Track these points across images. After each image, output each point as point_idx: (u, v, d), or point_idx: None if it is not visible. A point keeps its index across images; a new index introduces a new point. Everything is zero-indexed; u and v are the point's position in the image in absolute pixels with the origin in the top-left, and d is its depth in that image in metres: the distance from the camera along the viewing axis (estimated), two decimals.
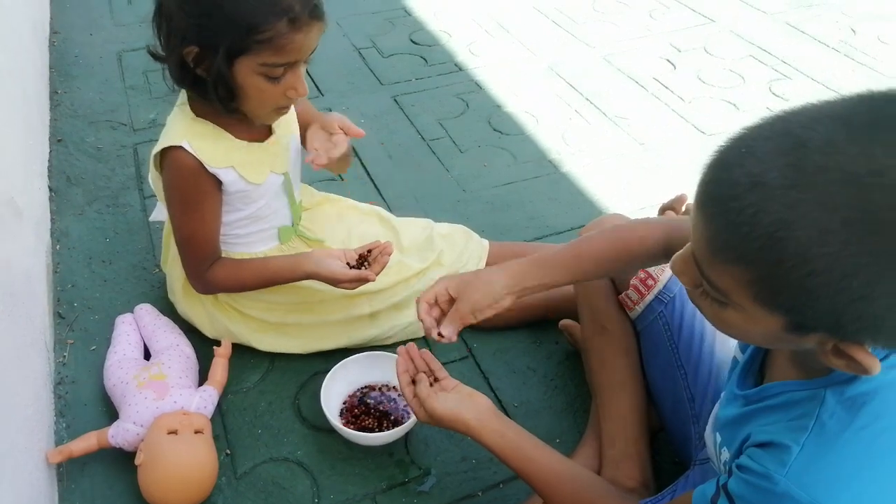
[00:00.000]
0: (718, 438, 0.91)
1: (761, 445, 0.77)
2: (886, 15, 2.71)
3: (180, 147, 1.23)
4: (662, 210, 1.36)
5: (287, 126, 1.40)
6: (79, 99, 2.28)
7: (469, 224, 1.65)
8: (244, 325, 1.45)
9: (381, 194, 1.90)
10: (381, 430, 1.29)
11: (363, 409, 1.33)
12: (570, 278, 1.13)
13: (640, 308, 1.24)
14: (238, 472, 1.28)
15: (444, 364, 1.44)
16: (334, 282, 1.33)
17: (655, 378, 1.25)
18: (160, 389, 1.29)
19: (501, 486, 1.26)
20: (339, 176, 1.92)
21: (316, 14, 1.17)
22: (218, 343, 1.42)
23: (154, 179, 1.35)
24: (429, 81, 2.39)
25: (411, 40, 2.63)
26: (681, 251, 0.76)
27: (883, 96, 0.62)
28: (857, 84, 2.32)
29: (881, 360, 0.70)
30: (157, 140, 1.27)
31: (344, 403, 1.35)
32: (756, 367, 0.90)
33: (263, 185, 1.34)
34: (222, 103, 1.21)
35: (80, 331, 1.53)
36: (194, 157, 1.23)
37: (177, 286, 1.48)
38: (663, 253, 1.08)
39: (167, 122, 1.30)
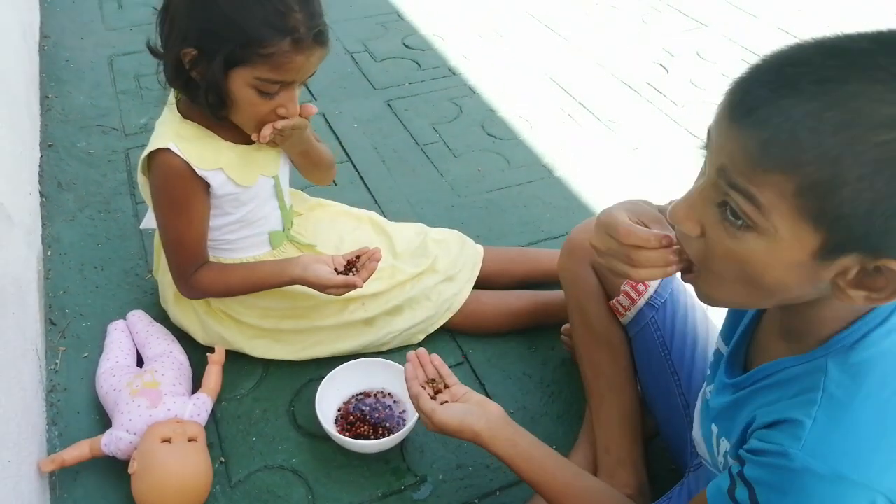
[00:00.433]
0: (715, 429, 0.90)
1: (769, 426, 0.75)
2: (878, 19, 2.73)
3: (167, 149, 1.22)
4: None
5: None
6: (70, 104, 2.26)
7: (463, 229, 1.65)
8: (238, 332, 1.44)
9: (374, 199, 1.89)
10: (376, 438, 1.28)
11: (358, 416, 1.32)
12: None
13: (631, 314, 1.25)
14: (232, 480, 1.27)
15: None
16: (321, 287, 1.32)
17: (649, 384, 1.25)
18: (153, 397, 1.28)
19: (498, 493, 1.26)
20: (333, 182, 1.91)
21: (320, 40, 1.18)
22: (211, 350, 1.41)
23: (142, 184, 1.34)
24: (422, 86, 2.38)
25: (404, 44, 2.62)
26: (679, 199, 0.71)
27: None
28: None
29: (877, 326, 0.71)
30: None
31: (339, 410, 1.34)
32: (741, 356, 0.89)
33: (253, 187, 1.33)
34: (211, 109, 1.21)
35: (72, 338, 1.52)
36: (182, 158, 1.23)
37: (169, 294, 1.47)
38: None
39: (156, 125, 1.30)
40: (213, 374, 1.37)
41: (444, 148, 2.10)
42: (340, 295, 1.35)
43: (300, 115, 1.29)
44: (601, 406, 1.24)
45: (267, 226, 1.42)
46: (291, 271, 1.34)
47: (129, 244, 1.75)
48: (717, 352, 0.95)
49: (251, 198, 1.35)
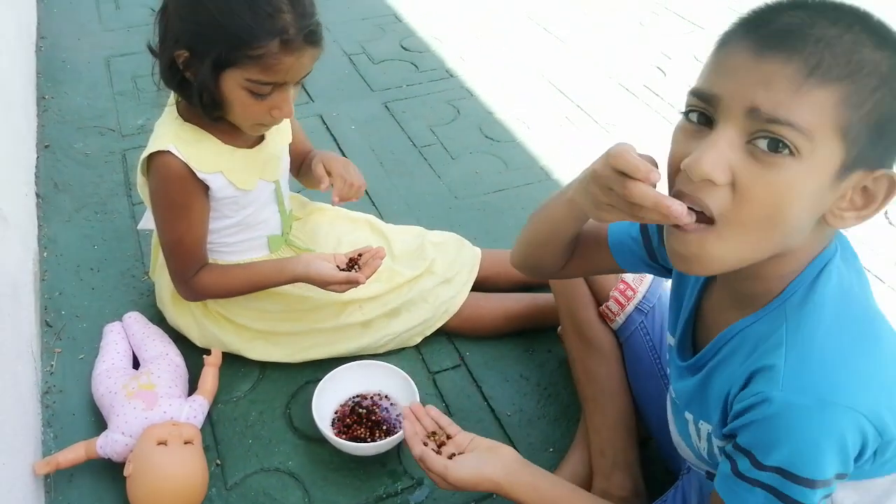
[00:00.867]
0: (689, 416, 0.91)
1: (745, 385, 0.77)
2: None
3: (168, 151, 1.22)
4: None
5: (280, 135, 1.39)
6: (66, 105, 2.26)
7: (461, 231, 1.64)
8: (234, 334, 1.43)
9: (372, 201, 1.89)
10: (373, 440, 1.28)
11: (355, 418, 1.32)
12: None
13: (620, 319, 1.25)
14: (228, 482, 1.27)
15: (435, 373, 1.45)
16: (324, 284, 1.32)
17: (640, 388, 1.26)
18: (149, 399, 1.28)
19: (494, 496, 1.25)
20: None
21: (311, 40, 1.17)
22: (208, 352, 1.40)
23: (141, 186, 1.34)
24: (420, 88, 2.38)
25: (402, 46, 2.62)
26: (696, 153, 0.70)
27: None
28: None
29: (820, 272, 0.76)
30: (145, 146, 1.26)
31: (335, 413, 1.34)
32: (689, 341, 0.92)
33: (253, 192, 1.33)
34: (205, 110, 1.21)
35: (67, 339, 1.51)
36: (182, 161, 1.22)
37: (165, 295, 1.46)
38: None
39: (155, 127, 1.29)
40: (210, 376, 1.37)
41: (442, 150, 2.10)
42: (342, 292, 1.35)
43: (354, 194, 1.35)
44: (595, 410, 1.25)
45: (266, 230, 1.42)
46: (294, 268, 1.34)
47: (126, 245, 1.74)
48: (669, 346, 0.97)
49: (250, 202, 1.35)
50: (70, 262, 1.70)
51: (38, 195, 1.89)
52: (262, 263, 1.38)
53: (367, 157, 2.06)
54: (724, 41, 0.73)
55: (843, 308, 0.76)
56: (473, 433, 1.08)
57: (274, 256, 1.44)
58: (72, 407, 1.38)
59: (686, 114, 0.74)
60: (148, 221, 1.44)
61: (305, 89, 2.33)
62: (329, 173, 1.36)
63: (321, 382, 1.33)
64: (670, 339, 0.96)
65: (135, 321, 1.48)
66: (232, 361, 1.44)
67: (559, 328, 1.47)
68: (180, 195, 1.26)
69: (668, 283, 0.83)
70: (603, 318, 1.32)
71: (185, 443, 1.21)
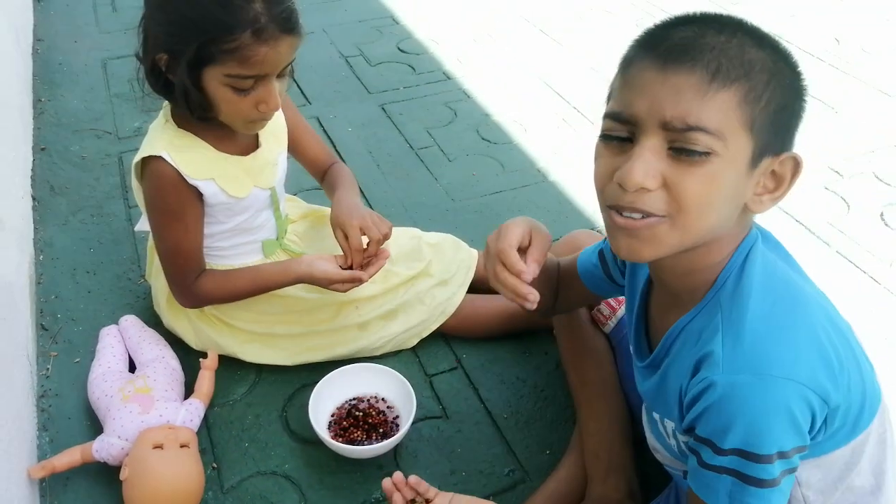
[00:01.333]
0: (657, 416, 0.95)
1: (692, 377, 0.82)
2: (868, 24, 2.74)
3: (160, 157, 1.22)
4: None
5: (275, 140, 1.39)
6: (63, 107, 2.25)
7: (458, 233, 1.64)
8: (230, 337, 1.43)
9: (369, 203, 1.89)
10: (369, 443, 1.28)
11: (352, 421, 1.32)
12: None
13: (612, 323, 1.26)
14: (225, 486, 1.26)
15: (432, 375, 1.45)
16: (327, 282, 1.32)
17: (632, 390, 1.25)
18: (145, 403, 1.27)
19: (491, 498, 1.25)
20: None
21: (286, 28, 1.14)
22: (204, 355, 1.40)
23: (136, 190, 1.33)
24: (417, 90, 2.38)
25: (399, 48, 2.62)
26: (625, 167, 0.76)
27: None
28: (843, 93, 2.34)
29: (745, 260, 0.83)
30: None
31: (332, 416, 1.34)
32: (643, 342, 0.99)
33: (246, 199, 1.32)
34: (193, 111, 1.20)
35: (63, 343, 1.51)
36: (174, 167, 1.22)
37: (161, 298, 1.46)
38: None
39: (149, 131, 1.29)
40: (206, 379, 1.36)
41: (439, 152, 2.09)
42: (345, 291, 1.35)
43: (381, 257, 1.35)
44: (589, 413, 1.25)
45: (261, 234, 1.42)
46: (297, 269, 1.34)
47: (122, 248, 1.74)
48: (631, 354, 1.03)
49: (245, 208, 1.35)
50: (66, 265, 1.70)
51: (34, 198, 1.88)
52: (265, 266, 1.38)
53: (364, 159, 2.06)
54: (627, 64, 0.81)
55: (770, 287, 0.82)
56: (452, 494, 1.06)
57: (268, 261, 1.44)
58: (68, 410, 1.38)
59: (605, 135, 0.81)
60: (144, 223, 1.44)
61: (302, 92, 2.34)
62: (346, 236, 1.34)
63: (317, 385, 1.33)
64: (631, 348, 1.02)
65: (131, 324, 1.48)
66: (228, 364, 1.43)
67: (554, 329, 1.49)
68: (174, 202, 1.26)
69: None
70: (595, 321, 1.33)
71: (182, 446, 1.21)
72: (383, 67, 2.51)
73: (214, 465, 1.29)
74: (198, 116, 1.21)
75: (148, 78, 1.20)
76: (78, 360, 1.47)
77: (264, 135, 1.36)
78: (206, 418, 1.35)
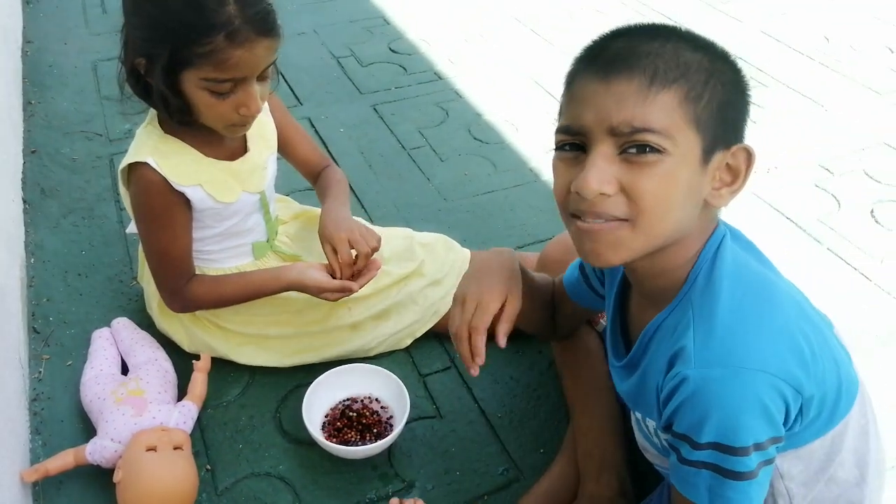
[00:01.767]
0: (639, 416, 0.97)
1: (666, 373, 0.84)
2: (857, 23, 2.75)
3: (146, 164, 1.21)
4: None
5: (264, 143, 1.39)
6: (53, 109, 2.25)
7: (450, 233, 1.64)
8: (223, 339, 1.43)
9: (361, 204, 1.89)
10: (363, 444, 1.28)
11: (345, 422, 1.32)
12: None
13: (605, 321, 1.26)
14: (219, 488, 1.26)
15: (426, 375, 1.45)
16: (317, 291, 1.32)
17: None
18: (138, 405, 1.27)
19: (485, 497, 1.25)
20: None
21: (262, 30, 1.12)
22: (197, 357, 1.40)
23: (124, 195, 1.33)
24: (408, 90, 2.38)
25: (390, 49, 2.62)
26: (581, 176, 0.79)
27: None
28: (833, 91, 2.35)
29: (713, 257, 0.85)
30: None
31: (326, 416, 1.34)
32: (620, 341, 1.01)
33: (235, 203, 1.32)
34: (172, 115, 1.19)
35: (55, 346, 1.50)
36: (159, 173, 1.21)
37: (154, 301, 1.46)
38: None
39: (135, 136, 1.29)
40: (199, 381, 1.36)
41: (431, 152, 2.10)
42: (335, 300, 1.35)
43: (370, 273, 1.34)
44: (582, 412, 1.25)
45: (251, 237, 1.42)
46: (287, 276, 1.33)
47: (114, 251, 1.73)
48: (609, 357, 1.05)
49: (234, 212, 1.34)
50: (57, 267, 1.69)
51: (24, 201, 1.88)
52: (256, 273, 1.38)
53: (356, 159, 2.06)
54: (571, 79, 0.85)
55: (740, 282, 0.84)
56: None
57: (259, 263, 1.43)
58: (60, 414, 1.37)
59: (559, 148, 0.85)
60: (135, 227, 1.44)
61: (294, 93, 2.34)
62: (334, 250, 1.34)
63: (311, 386, 1.33)
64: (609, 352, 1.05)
65: (123, 327, 1.48)
66: (221, 366, 1.43)
67: None
68: (161, 208, 1.25)
69: None
70: (588, 321, 1.33)
71: (175, 448, 1.21)
72: (374, 68, 2.51)
73: (208, 466, 1.29)
74: (179, 121, 1.21)
75: (129, 82, 1.20)
76: (70, 362, 1.46)
77: (252, 138, 1.36)
78: (199, 420, 1.35)
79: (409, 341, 1.49)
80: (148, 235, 1.30)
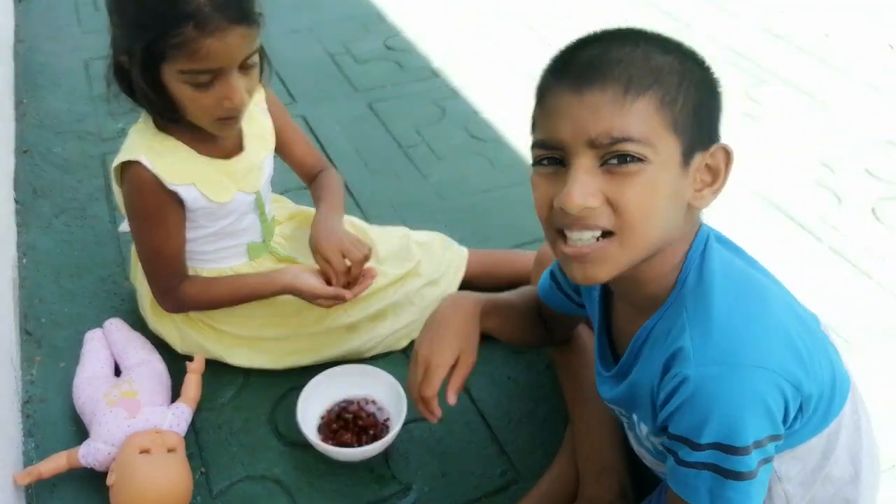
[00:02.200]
0: (635, 417, 0.95)
1: (663, 375, 0.83)
2: (857, 21, 2.74)
3: (138, 162, 1.20)
4: None
5: (261, 143, 1.37)
6: (45, 108, 2.23)
7: (447, 231, 1.63)
8: (216, 341, 1.41)
9: (356, 202, 1.87)
10: (360, 445, 1.26)
11: (341, 423, 1.30)
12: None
13: None
14: (213, 491, 1.25)
15: None
16: (311, 297, 1.31)
17: None
18: (131, 407, 1.26)
19: (484, 499, 1.24)
20: None
21: (233, 17, 1.10)
22: (191, 358, 1.38)
23: (117, 193, 1.32)
24: (404, 87, 2.37)
25: (386, 46, 2.61)
26: (564, 191, 0.78)
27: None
28: (833, 88, 2.34)
29: (700, 258, 0.85)
30: None
31: (322, 418, 1.32)
32: (608, 351, 1.01)
33: (229, 203, 1.30)
34: (159, 113, 1.19)
35: (48, 347, 1.49)
36: (152, 172, 1.20)
37: (146, 301, 1.44)
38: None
39: (129, 134, 1.27)
40: (193, 383, 1.35)
41: (428, 150, 2.08)
42: (328, 307, 1.34)
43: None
44: (581, 414, 1.24)
45: (246, 238, 1.40)
46: (282, 280, 1.32)
47: (106, 251, 1.72)
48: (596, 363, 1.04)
49: (228, 212, 1.33)
50: (50, 268, 1.67)
51: (16, 201, 1.86)
52: (249, 276, 1.37)
53: (352, 158, 2.04)
54: (542, 92, 0.84)
55: (731, 281, 0.84)
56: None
57: (254, 263, 1.42)
58: (53, 416, 1.36)
59: (536, 163, 0.84)
60: (127, 225, 1.42)
61: (288, 90, 2.32)
62: (327, 261, 1.33)
63: (306, 388, 1.31)
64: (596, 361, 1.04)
65: (116, 328, 1.46)
66: (215, 368, 1.42)
67: None
68: (153, 207, 1.24)
69: None
70: (586, 322, 1.32)
71: (169, 451, 1.20)
72: (370, 65, 2.50)
73: (202, 469, 1.28)
74: (166, 118, 1.20)
75: (116, 81, 1.19)
76: (63, 364, 1.45)
77: (249, 137, 1.34)
78: (193, 422, 1.33)
79: (405, 342, 1.48)
80: (140, 235, 1.28)
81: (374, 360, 1.45)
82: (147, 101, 1.16)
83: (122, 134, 2.07)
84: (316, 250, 1.35)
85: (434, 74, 2.44)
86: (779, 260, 1.72)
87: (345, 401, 1.35)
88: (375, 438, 1.27)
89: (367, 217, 1.79)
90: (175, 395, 1.35)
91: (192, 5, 1.07)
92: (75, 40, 2.60)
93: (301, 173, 1.54)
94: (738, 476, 0.79)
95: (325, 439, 1.27)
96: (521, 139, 2.13)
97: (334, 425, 1.30)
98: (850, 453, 0.93)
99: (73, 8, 2.82)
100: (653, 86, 0.77)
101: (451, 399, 1.08)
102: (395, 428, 1.26)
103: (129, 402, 1.27)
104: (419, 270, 1.49)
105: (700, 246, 0.86)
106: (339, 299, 1.31)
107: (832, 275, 1.66)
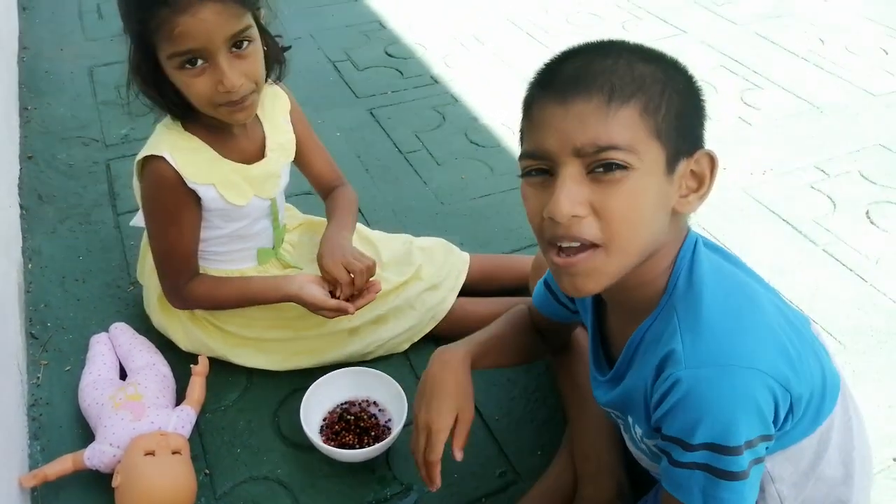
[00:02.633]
0: (630, 420, 0.96)
1: (656, 377, 0.84)
2: (851, 26, 2.76)
3: (161, 157, 1.22)
4: None
5: (282, 152, 1.39)
6: (49, 115, 2.25)
7: (447, 236, 1.65)
8: (221, 340, 1.43)
9: (358, 208, 1.88)
10: (361, 447, 1.28)
11: (343, 425, 1.32)
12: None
13: None
14: (217, 492, 1.26)
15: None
16: (314, 308, 1.33)
17: None
18: (137, 410, 1.27)
19: (483, 500, 1.26)
20: None
21: None
22: (195, 361, 1.40)
23: (136, 188, 1.34)
24: (405, 94, 2.39)
25: (386, 53, 2.63)
26: (552, 201, 0.79)
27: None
28: (827, 92, 2.36)
29: (690, 262, 0.86)
30: (130, 156, 1.27)
31: (324, 420, 1.34)
32: (602, 357, 1.02)
33: (245, 207, 1.32)
34: (171, 108, 1.21)
35: (53, 351, 1.50)
36: (174, 168, 1.22)
37: (153, 298, 1.46)
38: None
39: (154, 130, 1.29)
40: (197, 385, 1.36)
41: (428, 156, 2.10)
42: (331, 318, 1.35)
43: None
44: (578, 414, 1.26)
45: (257, 242, 1.42)
46: (287, 289, 1.34)
47: (111, 256, 1.73)
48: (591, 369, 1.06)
49: (243, 216, 1.35)
50: (55, 273, 1.69)
51: (21, 206, 1.88)
52: (256, 280, 1.38)
53: (353, 163, 2.06)
54: (528, 104, 0.86)
55: (721, 284, 0.86)
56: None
57: (261, 269, 1.44)
58: (59, 419, 1.37)
59: (525, 174, 0.85)
60: (140, 219, 1.44)
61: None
62: (331, 276, 1.35)
63: (309, 390, 1.33)
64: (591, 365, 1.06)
65: (121, 332, 1.48)
66: (219, 370, 1.43)
67: None
68: (171, 202, 1.26)
69: None
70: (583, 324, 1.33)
71: (173, 453, 1.21)
72: (371, 72, 2.52)
73: (207, 471, 1.29)
74: (178, 113, 1.22)
75: (135, 81, 1.21)
76: (68, 368, 1.46)
77: (272, 146, 1.36)
78: (197, 424, 1.35)
79: (406, 346, 1.49)
80: (155, 230, 1.30)
81: (375, 362, 1.46)
82: (159, 95, 1.18)
83: (126, 140, 2.11)
84: (321, 266, 1.36)
85: (434, 81, 2.46)
86: (774, 263, 1.75)
87: (347, 403, 1.36)
88: (377, 440, 1.29)
89: (368, 222, 1.81)
90: (180, 397, 1.36)
91: None
92: (79, 48, 2.62)
93: (318, 187, 1.56)
94: (730, 476, 0.80)
95: (327, 441, 1.29)
96: (519, 145, 2.14)
97: (336, 427, 1.32)
98: (841, 454, 0.94)
99: (77, 16, 2.84)
100: (636, 94, 0.79)
101: (458, 456, 1.08)
102: (396, 429, 1.28)
103: (135, 405, 1.28)
104: (420, 275, 1.51)
105: (688, 250, 0.88)
106: (341, 312, 1.33)
107: (827, 277, 1.68)
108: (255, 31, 1.19)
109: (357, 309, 1.34)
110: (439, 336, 1.51)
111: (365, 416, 1.33)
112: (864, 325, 1.55)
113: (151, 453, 1.19)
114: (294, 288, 1.33)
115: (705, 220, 1.80)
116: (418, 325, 1.48)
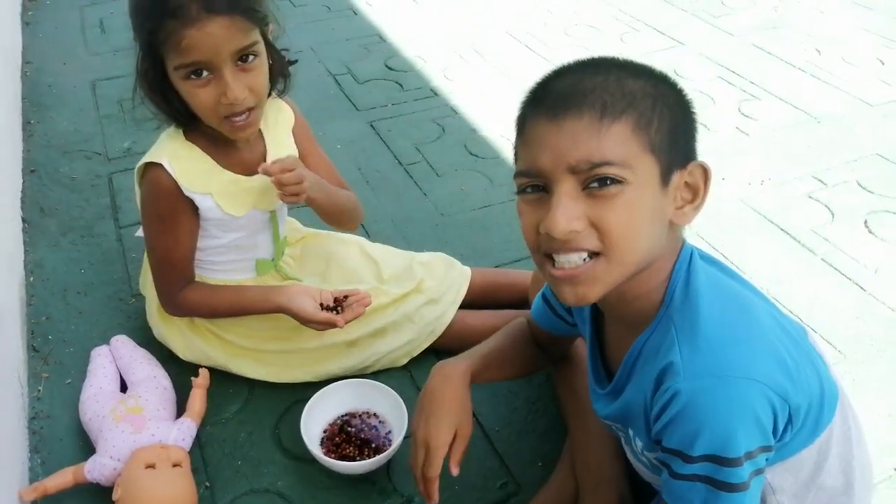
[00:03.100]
0: (631, 432, 0.97)
1: (655, 390, 0.85)
2: (848, 37, 2.78)
3: (160, 165, 1.23)
4: None
5: None
6: (52, 129, 2.26)
7: (447, 248, 1.65)
8: (220, 349, 1.43)
9: (356, 208, 1.89)
10: (362, 459, 1.28)
11: (344, 437, 1.32)
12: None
13: None
14: None
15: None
16: (303, 320, 1.34)
17: None
18: (137, 423, 1.27)
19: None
20: None
21: (211, 7, 1.11)
22: (196, 373, 1.40)
23: (137, 194, 1.35)
24: (405, 107, 2.40)
25: (386, 66, 2.65)
26: (549, 217, 0.80)
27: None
28: (824, 102, 2.37)
29: (686, 273, 0.87)
30: (132, 169, 1.28)
31: (324, 432, 1.34)
32: (601, 370, 1.02)
33: (242, 218, 1.33)
34: (175, 117, 1.22)
35: (55, 364, 1.51)
36: (171, 176, 1.23)
37: (154, 308, 1.46)
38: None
39: (158, 139, 1.30)
40: (198, 398, 1.36)
41: (428, 168, 2.11)
42: (321, 331, 1.36)
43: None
44: (578, 425, 1.25)
45: (256, 254, 1.43)
46: (277, 299, 1.34)
47: (113, 269, 1.74)
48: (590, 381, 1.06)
49: (241, 227, 1.35)
50: (57, 286, 1.70)
51: (24, 220, 1.89)
52: (248, 289, 1.39)
53: (354, 176, 2.07)
54: (521, 123, 0.87)
55: (717, 295, 0.86)
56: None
57: (260, 280, 1.44)
58: (59, 432, 1.37)
59: (521, 192, 0.86)
60: (142, 229, 1.44)
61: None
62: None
63: (309, 402, 1.33)
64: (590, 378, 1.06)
65: (122, 344, 1.48)
66: (220, 382, 1.44)
67: None
68: (167, 210, 1.27)
69: None
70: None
71: (174, 465, 1.21)
72: (371, 85, 2.53)
73: (207, 483, 1.29)
74: (182, 122, 1.23)
75: (142, 90, 1.22)
76: (69, 381, 1.47)
77: (273, 158, 1.37)
78: (198, 437, 1.35)
79: (405, 360, 1.49)
80: (152, 236, 1.31)
81: (376, 376, 1.46)
82: (164, 102, 1.20)
83: (128, 153, 2.12)
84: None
85: (433, 93, 2.47)
86: (773, 273, 1.75)
87: (347, 414, 1.37)
88: (377, 452, 1.29)
89: (368, 234, 1.81)
90: (180, 410, 1.37)
91: (169, 1, 1.11)
92: (82, 62, 2.64)
93: None
94: (731, 488, 0.80)
95: (327, 453, 1.29)
96: (514, 163, 2.15)
97: (337, 439, 1.32)
98: (841, 463, 0.94)
99: (80, 30, 2.86)
100: (627, 110, 0.79)
101: (454, 471, 1.09)
102: (396, 441, 1.28)
103: (135, 418, 1.28)
104: (421, 288, 1.51)
105: (685, 262, 0.88)
106: (330, 325, 1.33)
107: (826, 287, 1.68)
108: (261, 47, 1.20)
109: (346, 322, 1.34)
110: (440, 349, 1.51)
111: (365, 428, 1.33)
112: (863, 335, 1.56)
113: (152, 466, 1.19)
114: (284, 299, 1.34)
115: (704, 230, 1.81)
116: (417, 339, 1.48)
